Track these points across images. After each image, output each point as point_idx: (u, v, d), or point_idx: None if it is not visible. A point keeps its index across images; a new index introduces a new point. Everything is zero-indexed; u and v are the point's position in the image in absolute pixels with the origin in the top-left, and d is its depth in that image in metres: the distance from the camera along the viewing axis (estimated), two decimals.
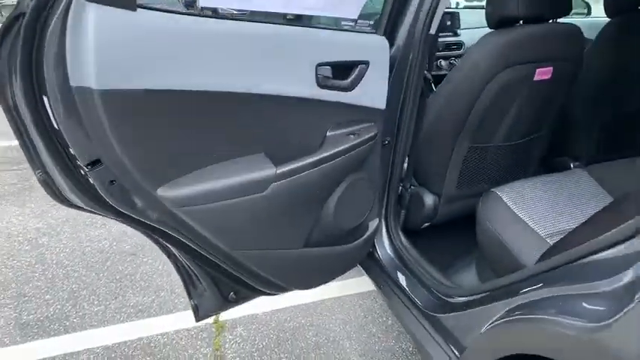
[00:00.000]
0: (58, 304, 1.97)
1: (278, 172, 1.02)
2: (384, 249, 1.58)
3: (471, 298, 1.22)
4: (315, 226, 1.23)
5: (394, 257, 1.56)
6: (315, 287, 1.37)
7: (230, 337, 1.80)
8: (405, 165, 1.58)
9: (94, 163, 0.81)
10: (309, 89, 1.04)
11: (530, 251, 1.22)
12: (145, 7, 0.76)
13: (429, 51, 1.33)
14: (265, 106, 0.98)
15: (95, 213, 0.96)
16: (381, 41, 1.17)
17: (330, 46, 1.05)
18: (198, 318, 1.30)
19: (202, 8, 0.95)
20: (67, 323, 1.87)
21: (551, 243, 1.21)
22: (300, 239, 1.19)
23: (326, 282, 1.39)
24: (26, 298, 2.00)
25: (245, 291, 1.30)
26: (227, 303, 1.29)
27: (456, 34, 2.52)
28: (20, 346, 1.75)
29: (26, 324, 1.86)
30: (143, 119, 0.80)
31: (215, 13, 0.95)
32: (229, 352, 1.73)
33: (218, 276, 1.21)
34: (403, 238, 1.59)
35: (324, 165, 1.12)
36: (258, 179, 0.99)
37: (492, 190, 1.43)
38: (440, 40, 2.48)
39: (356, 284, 2.09)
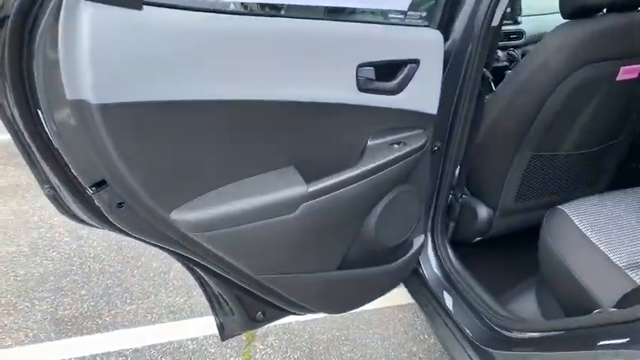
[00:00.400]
0: (92, 300, 1.97)
1: (310, 190, 0.89)
2: (430, 266, 1.43)
3: (532, 335, 1.05)
4: (352, 246, 1.09)
5: (440, 276, 1.40)
6: (350, 310, 1.24)
7: (261, 347, 1.71)
8: (457, 173, 1.41)
9: (99, 184, 0.71)
10: (348, 94, 0.90)
11: (605, 285, 1.03)
12: (153, 4, 0.64)
13: (489, 46, 1.15)
14: (296, 115, 0.85)
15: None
16: (435, 36, 1.00)
17: (373, 44, 0.90)
18: (223, 337, 1.21)
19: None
20: (100, 322, 1.85)
21: (633, 277, 1.02)
22: (335, 261, 1.06)
23: (363, 305, 1.26)
24: (63, 292, 2.01)
25: (273, 311, 1.19)
26: (254, 323, 1.19)
27: (516, 22, 2.27)
28: (54, 343, 1.75)
29: (61, 320, 1.86)
30: (152, 135, 0.69)
31: (242, 8, 0.83)
32: None
33: (244, 296, 1.11)
34: (451, 255, 1.42)
35: (364, 180, 0.98)
36: (286, 199, 0.86)
37: (558, 206, 1.24)
38: None
39: (396, 295, 1.93)
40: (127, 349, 1.71)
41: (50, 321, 1.85)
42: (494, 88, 1.35)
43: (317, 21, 0.82)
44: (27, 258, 2.24)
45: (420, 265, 1.43)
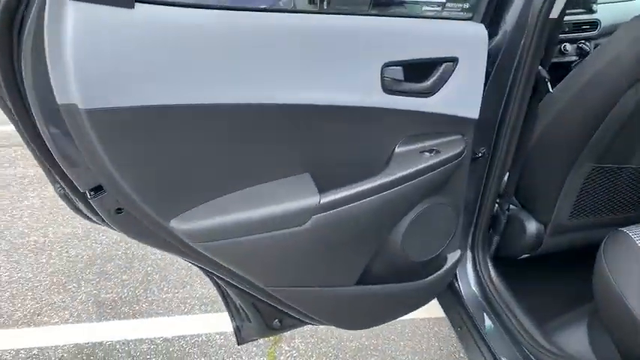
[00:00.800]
0: (132, 286, 2.03)
1: (323, 201, 0.81)
2: (467, 282, 1.30)
3: None
4: (375, 260, 1.01)
5: (478, 294, 1.27)
6: (370, 327, 1.16)
7: (286, 348, 1.68)
8: (505, 182, 1.27)
9: (97, 189, 0.69)
10: (371, 96, 0.81)
11: None
12: (146, 2, 0.59)
13: (546, 41, 1.00)
14: (309, 119, 0.78)
15: None
16: (477, 30, 0.88)
17: (402, 40, 0.80)
18: (240, 341, 1.18)
19: None
20: (137, 307, 1.91)
21: None
22: (353, 275, 0.98)
23: (386, 322, 1.17)
24: (107, 276, 2.10)
25: (291, 320, 1.13)
26: (271, 330, 1.15)
27: (590, 11, 2.01)
28: (93, 325, 1.83)
29: (102, 302, 1.94)
30: (146, 141, 0.65)
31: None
32: None
33: (260, 304, 1.06)
34: (492, 272, 1.29)
35: (387, 192, 0.89)
36: (295, 210, 0.79)
37: (622, 229, 1.06)
38: (567, 17, 2.01)
39: (433, 307, 1.80)
40: (158, 338, 1.74)
41: (93, 303, 1.94)
42: (551, 88, 1.19)
43: (332, 16, 0.73)
44: (79, 240, 2.36)
45: (456, 279, 1.31)
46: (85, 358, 1.65)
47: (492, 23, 0.97)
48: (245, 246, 0.79)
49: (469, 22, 0.89)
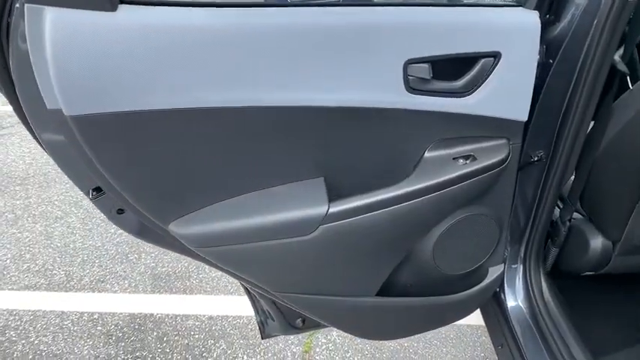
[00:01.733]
0: (186, 261, 2.13)
1: (332, 210, 0.75)
2: (514, 297, 1.17)
3: None
4: (403, 272, 0.93)
5: (526, 313, 1.14)
6: (394, 339, 1.09)
7: (323, 340, 1.66)
8: (569, 188, 1.11)
9: (98, 190, 0.69)
10: (391, 96, 0.72)
11: None
12: (131, 3, 0.56)
13: (623, 28, 0.82)
14: (321, 122, 0.71)
15: None
16: (527, 19, 0.75)
17: (428, 34, 0.70)
18: (263, 335, 1.17)
19: None
20: (188, 283, 2.00)
21: None
22: (373, 286, 0.92)
23: (410, 335, 1.09)
24: (165, 250, 2.21)
25: (314, 320, 1.10)
26: (294, 329, 1.13)
27: None
28: (148, 297, 1.95)
29: (158, 276, 2.06)
30: (136, 146, 0.63)
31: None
32: (318, 357, 1.60)
33: (280, 303, 1.04)
34: (545, 289, 1.15)
35: (413, 201, 0.80)
36: (302, 219, 0.74)
37: None
38: None
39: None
40: (203, 315, 1.82)
41: (150, 275, 2.07)
42: (631, 85, 1.00)
43: (345, 8, 0.65)
44: None
45: (502, 292, 1.18)
46: (136, 327, 1.78)
47: (554, 9, 0.81)
48: (249, 253, 0.76)
49: (518, 8, 0.75)
